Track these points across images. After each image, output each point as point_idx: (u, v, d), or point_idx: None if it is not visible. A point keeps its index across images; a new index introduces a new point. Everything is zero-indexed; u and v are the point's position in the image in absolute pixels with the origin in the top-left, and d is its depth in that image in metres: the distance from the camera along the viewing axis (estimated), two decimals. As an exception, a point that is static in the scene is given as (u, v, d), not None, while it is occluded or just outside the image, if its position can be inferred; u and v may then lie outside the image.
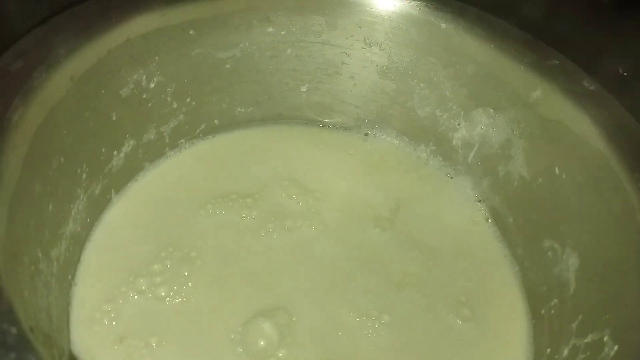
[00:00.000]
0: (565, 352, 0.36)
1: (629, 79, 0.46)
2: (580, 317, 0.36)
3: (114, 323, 0.37)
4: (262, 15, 0.46)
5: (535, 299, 0.42)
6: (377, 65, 0.49)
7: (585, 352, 0.34)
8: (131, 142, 0.44)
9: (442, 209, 0.47)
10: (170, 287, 0.39)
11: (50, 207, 0.36)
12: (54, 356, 0.31)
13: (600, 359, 0.33)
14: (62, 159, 0.37)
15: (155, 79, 0.44)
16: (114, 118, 0.42)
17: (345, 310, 0.40)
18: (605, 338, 0.33)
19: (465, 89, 0.46)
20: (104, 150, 0.42)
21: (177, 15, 0.43)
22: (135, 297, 0.38)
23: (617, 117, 0.39)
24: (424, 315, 0.41)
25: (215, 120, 0.50)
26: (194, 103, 0.47)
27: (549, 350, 0.38)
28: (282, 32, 0.47)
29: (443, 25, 0.45)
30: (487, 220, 0.47)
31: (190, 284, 0.39)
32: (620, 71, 0.46)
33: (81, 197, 0.40)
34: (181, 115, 0.47)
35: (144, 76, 0.43)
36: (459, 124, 0.48)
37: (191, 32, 0.44)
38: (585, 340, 0.35)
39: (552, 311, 0.39)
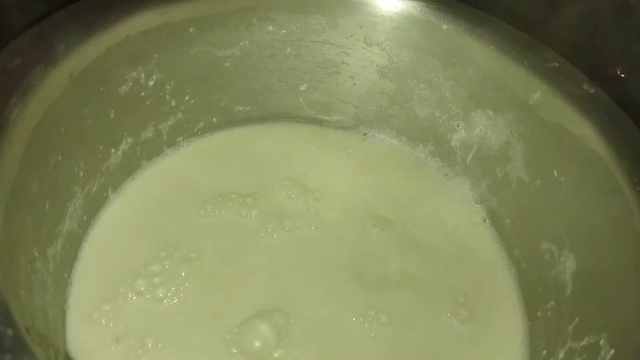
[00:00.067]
0: (561, 355, 0.36)
1: (627, 80, 0.46)
2: (576, 319, 0.36)
3: (111, 323, 0.37)
4: (262, 14, 0.46)
5: (531, 301, 0.42)
6: (377, 65, 0.49)
7: (582, 355, 0.34)
8: (129, 140, 0.44)
9: (440, 210, 0.47)
10: (168, 287, 0.39)
11: (47, 205, 0.36)
12: (50, 356, 0.31)
13: (596, 363, 0.33)
14: (60, 157, 0.37)
15: (154, 77, 0.43)
16: (112, 116, 0.41)
17: (343, 310, 0.40)
18: (602, 341, 0.33)
19: (465, 90, 0.46)
20: (101, 148, 0.42)
21: (177, 13, 0.42)
22: (134, 298, 0.38)
23: (616, 121, 0.39)
24: (421, 316, 0.41)
25: (214, 119, 0.49)
26: (192, 101, 0.47)
27: (544, 352, 0.38)
28: (283, 31, 0.47)
29: (444, 26, 0.45)
30: (485, 221, 0.47)
31: (187, 285, 0.39)
32: (618, 72, 0.46)
33: (78, 195, 0.40)
34: (180, 113, 0.47)
35: (143, 74, 0.43)
36: (458, 125, 0.48)
37: (191, 30, 0.44)
38: (582, 343, 0.35)
39: (549, 313, 0.39)
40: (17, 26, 0.37)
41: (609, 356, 0.32)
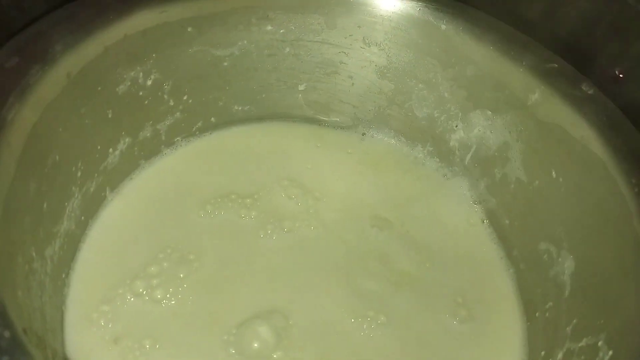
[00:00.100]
0: (560, 356, 0.36)
1: (626, 81, 0.46)
2: (575, 321, 0.36)
3: (110, 324, 0.37)
4: (261, 14, 0.46)
5: (530, 302, 0.42)
6: (375, 65, 0.49)
7: (580, 356, 0.35)
8: (127, 140, 0.44)
9: (439, 210, 0.47)
10: (166, 289, 0.39)
11: (45, 205, 0.35)
12: (47, 357, 0.31)
13: (594, 364, 0.33)
14: (58, 157, 0.37)
15: (152, 76, 0.43)
16: (110, 115, 0.41)
17: (341, 311, 0.40)
18: (600, 343, 0.33)
19: (464, 91, 0.46)
20: (99, 147, 0.41)
21: (175, 12, 0.42)
22: (132, 299, 0.38)
23: (614, 122, 0.39)
24: (420, 316, 0.41)
25: (212, 118, 0.49)
26: (190, 101, 0.47)
27: (543, 353, 0.38)
28: (281, 31, 0.47)
29: (443, 26, 0.45)
30: (483, 221, 0.47)
31: (186, 286, 0.39)
32: (617, 72, 0.46)
33: (76, 195, 0.39)
34: (178, 113, 0.47)
35: (141, 73, 0.43)
36: (456, 126, 0.48)
37: (189, 29, 0.44)
38: (580, 345, 0.35)
39: (547, 314, 0.39)
40: (15, 25, 0.36)
41: (607, 357, 0.32)
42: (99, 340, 0.36)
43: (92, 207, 0.42)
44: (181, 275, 0.40)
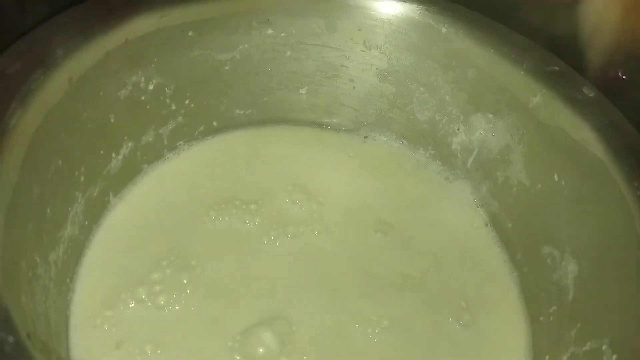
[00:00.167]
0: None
1: (628, 83, 0.46)
2: (578, 324, 0.36)
3: (114, 329, 0.37)
4: (262, 17, 0.46)
5: (534, 306, 0.42)
6: (376, 68, 0.49)
7: (584, 360, 0.35)
8: (129, 144, 0.44)
9: (441, 213, 0.47)
10: (169, 295, 0.39)
11: (49, 210, 0.35)
12: (52, 363, 0.31)
13: (598, 368, 0.33)
14: (60, 162, 0.37)
15: (154, 81, 0.43)
16: (112, 120, 0.41)
17: (345, 316, 0.40)
18: (604, 347, 0.33)
19: (465, 94, 0.46)
20: (102, 152, 0.41)
21: (176, 16, 0.42)
22: (135, 305, 0.38)
23: (616, 125, 0.39)
24: (424, 320, 0.41)
25: (214, 122, 0.49)
26: (192, 105, 0.47)
27: (547, 357, 0.38)
28: (282, 34, 0.47)
29: (443, 29, 0.45)
30: (487, 225, 0.47)
31: (189, 292, 0.39)
32: (620, 74, 0.46)
33: (79, 200, 0.39)
34: (180, 117, 0.47)
35: (143, 78, 0.43)
36: (458, 129, 0.48)
37: (190, 33, 0.44)
38: (584, 349, 0.35)
39: (551, 318, 0.39)
40: (16, 31, 0.37)
41: (611, 361, 0.32)
42: (102, 345, 0.36)
43: (96, 212, 0.42)
44: (184, 281, 0.39)
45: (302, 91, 0.50)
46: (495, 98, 0.45)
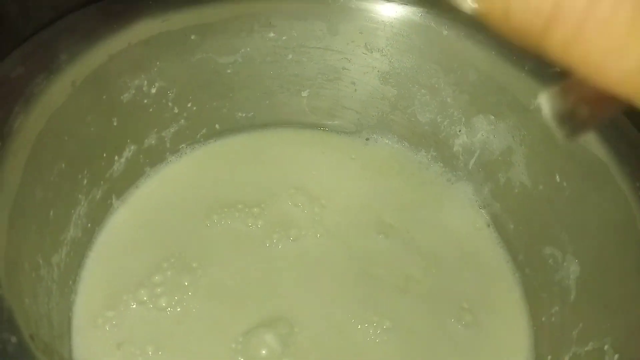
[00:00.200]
0: (566, 360, 0.36)
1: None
2: (580, 325, 0.36)
3: (115, 330, 0.37)
4: (263, 21, 0.46)
5: (536, 306, 0.42)
6: (378, 71, 0.49)
7: (586, 360, 0.34)
8: (132, 147, 0.44)
9: (443, 215, 0.47)
10: (171, 297, 0.39)
11: (51, 213, 0.36)
12: (55, 364, 0.31)
13: (600, 368, 0.33)
14: (64, 165, 0.37)
15: (157, 84, 0.44)
16: (115, 123, 0.42)
17: (347, 317, 0.40)
18: (606, 347, 0.33)
19: (466, 95, 0.46)
20: (105, 155, 0.42)
21: (178, 20, 0.43)
22: (137, 306, 0.38)
23: (618, 125, 0.39)
24: (426, 321, 0.41)
25: (217, 125, 0.50)
26: (194, 108, 0.47)
27: (549, 357, 0.38)
28: (284, 38, 0.47)
29: (444, 32, 0.45)
30: (488, 226, 0.47)
31: (190, 294, 0.39)
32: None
33: (82, 202, 0.40)
34: (182, 120, 0.47)
35: (145, 81, 0.43)
36: (459, 130, 0.48)
37: (193, 37, 0.44)
38: (586, 349, 0.35)
39: (553, 318, 0.39)
40: (19, 35, 0.37)
41: (613, 361, 0.32)
42: (103, 345, 0.36)
43: (98, 214, 0.42)
44: (185, 283, 0.40)
45: (304, 94, 0.51)
46: (497, 100, 0.45)
